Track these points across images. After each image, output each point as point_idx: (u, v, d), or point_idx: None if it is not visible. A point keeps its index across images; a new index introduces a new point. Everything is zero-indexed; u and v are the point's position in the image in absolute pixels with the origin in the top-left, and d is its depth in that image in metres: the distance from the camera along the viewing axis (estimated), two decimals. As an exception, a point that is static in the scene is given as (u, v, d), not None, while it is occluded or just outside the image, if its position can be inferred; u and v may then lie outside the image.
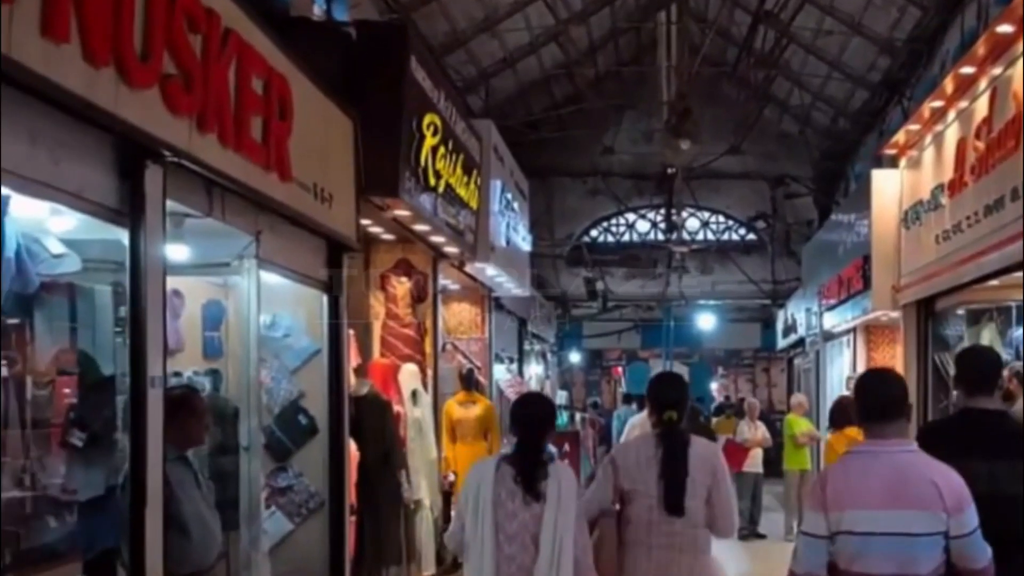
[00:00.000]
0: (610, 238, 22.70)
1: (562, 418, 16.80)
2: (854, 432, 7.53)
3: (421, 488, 8.86)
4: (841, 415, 9.31)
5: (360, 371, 8.61)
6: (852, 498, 3.38)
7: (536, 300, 18.01)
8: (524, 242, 13.28)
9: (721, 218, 22.35)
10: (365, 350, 9.35)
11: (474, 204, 9.81)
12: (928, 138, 9.25)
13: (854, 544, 3.37)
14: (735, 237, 22.43)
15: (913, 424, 3.91)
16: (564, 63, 17.10)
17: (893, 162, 10.72)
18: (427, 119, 7.49)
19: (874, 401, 3.55)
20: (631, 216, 22.47)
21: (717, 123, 19.14)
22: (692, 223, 21.95)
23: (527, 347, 17.60)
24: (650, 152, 19.80)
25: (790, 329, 19.06)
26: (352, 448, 7.39)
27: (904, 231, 10.12)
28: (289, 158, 5.50)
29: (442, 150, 8.07)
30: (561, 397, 19.42)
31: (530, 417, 4.37)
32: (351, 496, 7.30)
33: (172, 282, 5.57)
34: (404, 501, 7.44)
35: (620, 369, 27.96)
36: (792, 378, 21.17)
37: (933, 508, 3.33)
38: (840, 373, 14.90)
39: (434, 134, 7.72)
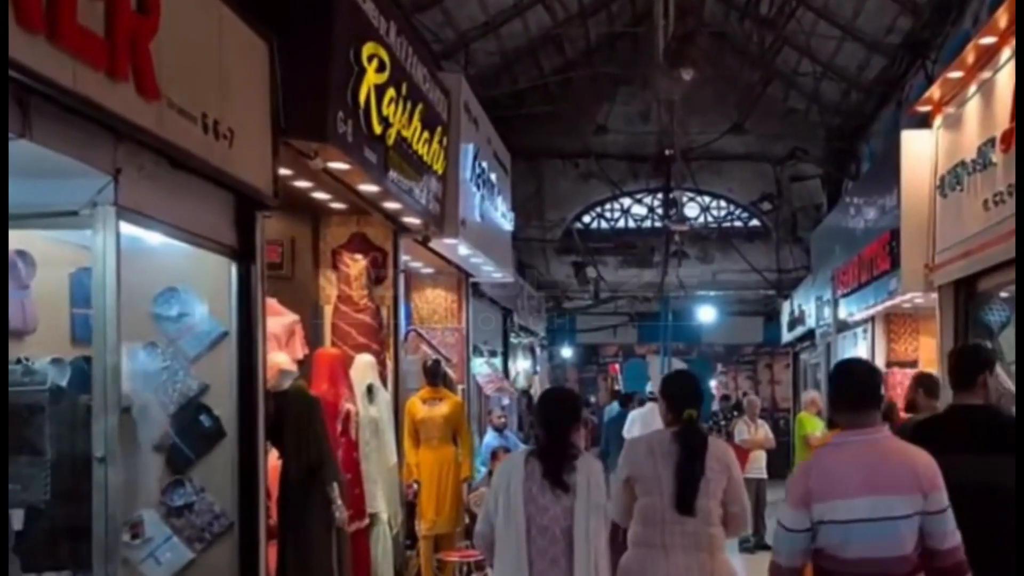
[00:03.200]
0: (604, 224, 21.33)
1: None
2: None
3: (377, 499, 7.64)
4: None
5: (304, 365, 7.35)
6: (832, 488, 3.50)
7: (524, 289, 16.75)
8: (505, 220, 11.86)
9: (723, 203, 20.99)
10: (315, 339, 7.97)
11: (439, 167, 8.40)
12: (973, 87, 7.84)
13: (838, 533, 3.50)
14: (738, 223, 21.09)
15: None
16: (552, 29, 15.67)
17: (924, 123, 9.32)
18: (367, 49, 6.09)
19: (846, 391, 3.70)
20: (626, 201, 21.04)
21: (719, 101, 17.97)
22: (691, 209, 20.57)
23: (513, 340, 16.34)
24: (646, 132, 18.50)
25: (797, 321, 17.88)
26: (273, 457, 6.00)
27: (940, 200, 8.70)
28: (153, 68, 4.09)
29: (391, 92, 6.66)
30: (550, 395, 18.13)
31: (556, 411, 4.45)
32: (270, 516, 5.90)
33: (15, 240, 4.22)
34: (336, 522, 5.98)
35: (617, 367, 26.90)
36: (798, 374, 20.00)
37: (910, 490, 3.48)
38: (855, 368, 13.60)
39: (379, 70, 6.30)
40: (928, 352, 11.43)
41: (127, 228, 4.33)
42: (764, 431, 12.07)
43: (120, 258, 4.25)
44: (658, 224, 20.32)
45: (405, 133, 7.25)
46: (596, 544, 4.19)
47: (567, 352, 24.48)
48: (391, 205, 7.69)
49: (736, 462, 4.61)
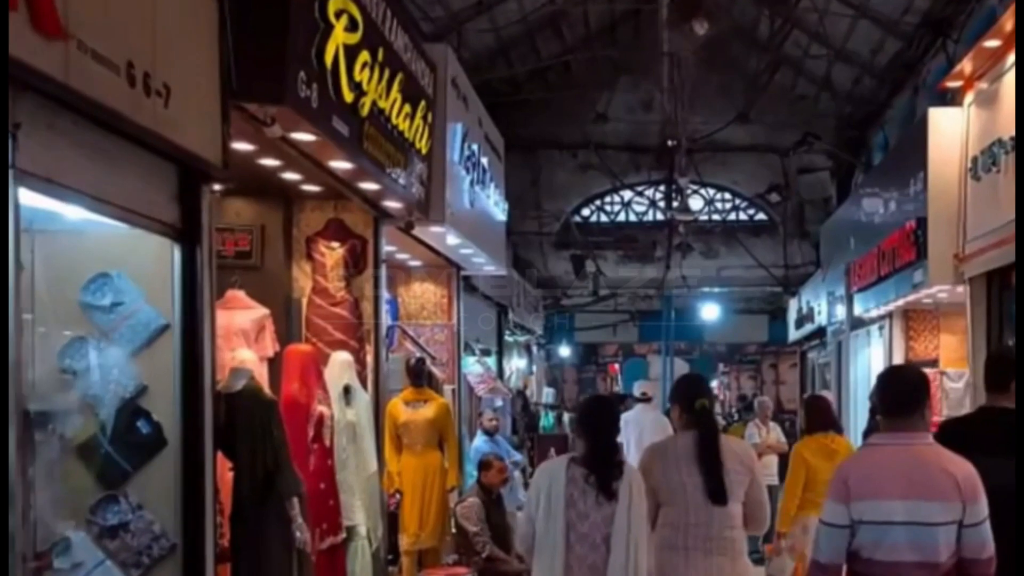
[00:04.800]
0: (603, 218, 20.55)
1: (547, 419, 14.86)
2: (826, 439, 6.94)
3: (355, 511, 7.04)
4: (816, 418, 7.23)
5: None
6: (871, 488, 3.52)
7: (519, 285, 16.04)
8: (498, 209, 11.11)
9: (728, 195, 20.23)
10: (287, 335, 7.29)
11: (423, 146, 7.66)
12: (1011, 58, 7.10)
13: (874, 533, 3.50)
14: (743, 217, 20.34)
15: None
16: (550, 14, 14.92)
17: (949, 101, 8.59)
18: (335, 2, 5.32)
19: (892, 395, 3.72)
20: (627, 194, 20.27)
21: (724, 90, 17.22)
22: (695, 202, 19.78)
23: (508, 338, 15.64)
24: (649, 121, 17.71)
25: (805, 319, 17.27)
26: (225, 468, 5.27)
27: (972, 183, 7.96)
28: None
29: (364, 56, 5.91)
30: (547, 395, 17.48)
31: (602, 419, 4.47)
32: (222, 535, 5.16)
33: None
34: (297, 542, 5.23)
35: (617, 367, 26.39)
36: (805, 374, 19.33)
37: (950, 498, 3.46)
38: (867, 367, 12.93)
39: (349, 28, 5.55)
40: (950, 351, 10.81)
41: (33, 199, 3.59)
42: (776, 434, 11.31)
43: (19, 234, 3.47)
44: (660, 218, 19.62)
45: (382, 104, 6.50)
46: (637, 553, 4.20)
47: (565, 351, 23.84)
48: (368, 186, 6.95)
49: (759, 464, 4.70)
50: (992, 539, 3.51)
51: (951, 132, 8.33)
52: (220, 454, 5.23)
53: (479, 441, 10.49)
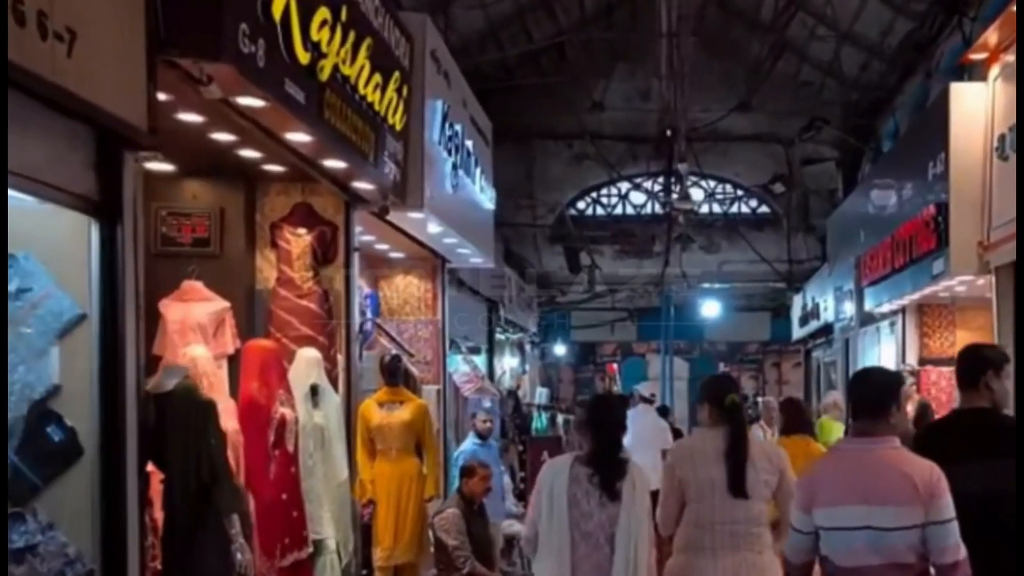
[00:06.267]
0: (599, 211, 19.92)
1: (540, 421, 14.23)
2: (803, 441, 6.92)
3: (323, 523, 6.50)
4: (793, 420, 7.38)
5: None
6: (826, 494, 3.55)
7: (512, 280, 15.40)
8: (485, 197, 10.44)
9: (729, 187, 19.63)
10: (249, 329, 6.72)
11: (397, 122, 6.98)
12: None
13: (835, 540, 3.53)
14: (745, 209, 19.72)
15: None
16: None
17: (972, 76, 7.95)
18: (284, -54, 4.64)
19: (857, 398, 3.71)
20: (624, 186, 19.64)
21: (725, 78, 16.73)
22: (696, 194, 19.16)
23: (500, 336, 15.01)
24: (647, 109, 17.08)
25: (810, 316, 16.73)
26: (158, 481, 4.61)
27: (998, 163, 7.30)
28: None
29: (323, 13, 5.24)
30: (541, 395, 16.85)
31: (610, 418, 4.48)
32: (153, 557, 4.50)
33: None
34: (238, 567, 4.55)
35: (615, 366, 25.86)
36: (810, 373, 18.86)
37: (908, 502, 3.43)
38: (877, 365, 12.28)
39: (303, -21, 4.87)
40: None
41: None
42: (782, 437, 10.65)
43: None
44: (659, 211, 19.03)
45: (347, 71, 5.82)
46: (640, 552, 4.21)
47: (561, 350, 23.27)
48: (334, 164, 6.29)
49: (789, 464, 4.65)
50: (958, 545, 3.43)
51: (975, 109, 7.67)
52: (153, 465, 4.60)
53: (469, 443, 9.87)
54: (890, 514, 3.42)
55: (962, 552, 3.45)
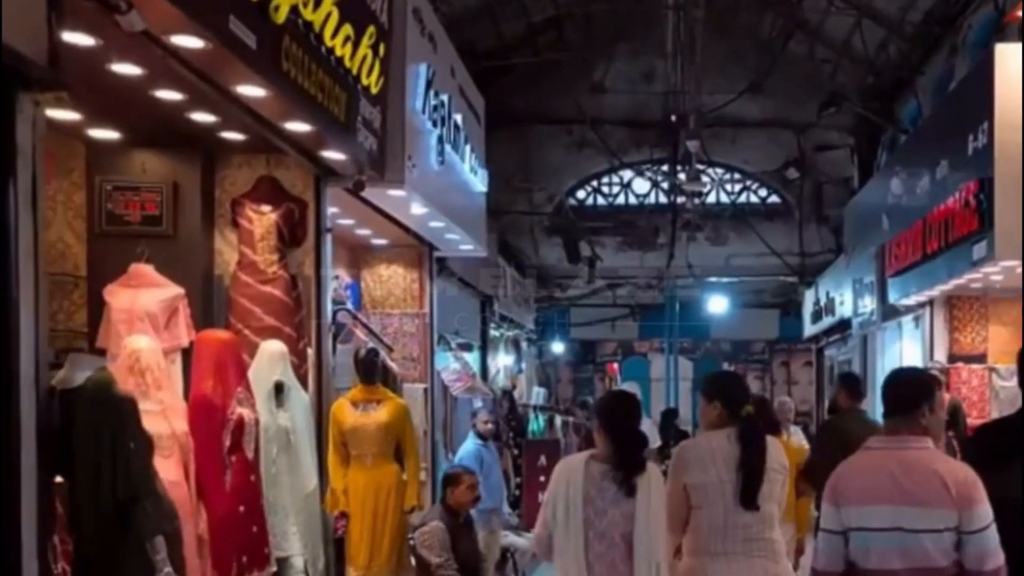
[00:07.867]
0: (600, 200, 19.13)
1: (537, 422, 13.50)
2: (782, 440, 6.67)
3: (289, 538, 6.03)
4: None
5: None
6: (857, 494, 3.49)
7: (507, 273, 14.67)
8: (476, 178, 9.66)
9: (737, 176, 18.82)
10: (205, 319, 6.14)
11: (372, 84, 6.19)
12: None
13: (862, 540, 3.47)
14: (755, 199, 18.91)
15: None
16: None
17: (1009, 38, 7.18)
18: None
19: (890, 397, 3.64)
20: (627, 173, 18.82)
21: (733, 61, 15.95)
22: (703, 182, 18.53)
23: (494, 332, 14.29)
24: (650, 92, 16.28)
25: (824, 311, 16.01)
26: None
27: (1053, 133, 6.50)
28: None
29: (275, -62, 4.42)
30: (538, 396, 16.14)
31: (627, 416, 4.45)
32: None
33: None
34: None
35: (616, 366, 25.35)
36: (822, 373, 18.20)
37: (940, 504, 3.37)
38: (897, 365, 11.50)
39: None
40: (1000, 344, 9.87)
41: None
42: (798, 439, 9.86)
43: None
44: (663, 200, 18.22)
45: (309, 16, 5.04)
46: (657, 550, 4.22)
47: (559, 348, 22.64)
48: (298, 127, 5.52)
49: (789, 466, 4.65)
50: (998, 551, 3.36)
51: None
52: (62, 476, 3.81)
53: (470, 443, 9.17)
54: (919, 515, 3.37)
55: (1001, 558, 3.38)
